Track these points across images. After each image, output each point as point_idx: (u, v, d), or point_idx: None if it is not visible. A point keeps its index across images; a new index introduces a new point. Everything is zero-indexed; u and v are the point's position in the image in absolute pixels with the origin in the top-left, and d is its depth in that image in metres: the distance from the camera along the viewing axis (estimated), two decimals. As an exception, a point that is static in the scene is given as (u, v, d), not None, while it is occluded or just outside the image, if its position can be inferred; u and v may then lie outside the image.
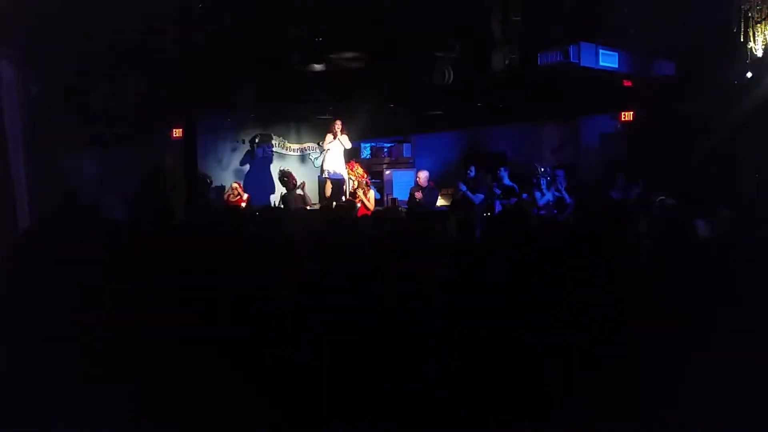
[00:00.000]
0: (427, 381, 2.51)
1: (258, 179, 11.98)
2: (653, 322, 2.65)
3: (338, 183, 10.82)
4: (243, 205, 10.35)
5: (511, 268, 3.42)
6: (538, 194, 9.55)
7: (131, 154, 10.02)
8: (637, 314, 2.70)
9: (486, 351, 2.64)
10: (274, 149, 12.59)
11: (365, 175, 10.97)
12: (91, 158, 9.66)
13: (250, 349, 2.44)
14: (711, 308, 2.70)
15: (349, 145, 10.83)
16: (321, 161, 11.23)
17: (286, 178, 10.83)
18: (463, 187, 10.04)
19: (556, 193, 9.55)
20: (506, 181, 10.19)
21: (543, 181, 9.60)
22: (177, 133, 10.28)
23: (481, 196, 9.85)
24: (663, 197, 6.49)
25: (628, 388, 2.45)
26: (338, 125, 10.63)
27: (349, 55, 9.02)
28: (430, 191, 10.10)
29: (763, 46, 6.70)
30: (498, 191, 9.80)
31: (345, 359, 2.50)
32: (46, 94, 8.11)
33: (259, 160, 12.21)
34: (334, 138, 10.65)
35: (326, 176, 10.79)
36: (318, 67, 9.01)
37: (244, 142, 12.51)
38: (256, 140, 12.20)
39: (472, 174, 10.43)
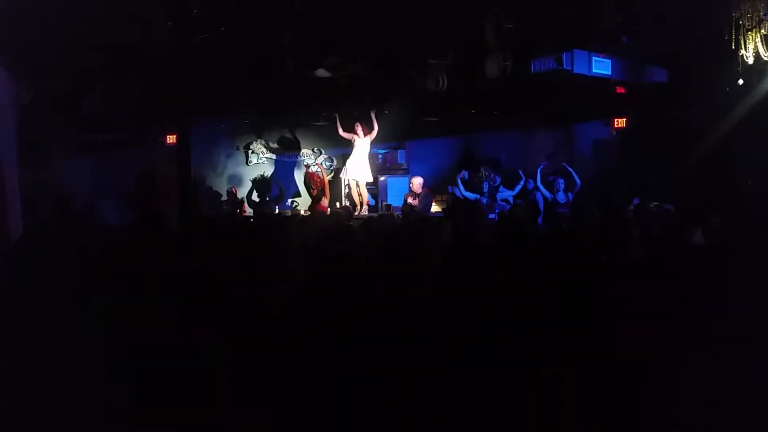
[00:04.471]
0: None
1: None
2: (648, 325, 2.66)
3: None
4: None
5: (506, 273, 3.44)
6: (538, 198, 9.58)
7: (125, 159, 10.00)
8: (631, 318, 2.72)
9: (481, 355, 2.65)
10: (267, 155, 12.60)
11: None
12: (84, 164, 9.62)
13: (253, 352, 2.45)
14: (705, 312, 2.71)
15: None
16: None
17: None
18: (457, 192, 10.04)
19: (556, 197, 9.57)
20: (499, 188, 10.20)
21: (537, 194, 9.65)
22: (171, 139, 10.27)
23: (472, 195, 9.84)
24: (657, 203, 6.52)
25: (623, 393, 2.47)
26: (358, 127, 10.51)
27: (343, 61, 9.04)
28: (425, 198, 10.11)
29: (754, 54, 6.75)
30: (487, 199, 9.80)
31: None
32: (39, 100, 8.09)
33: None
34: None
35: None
36: (313, 73, 9.03)
37: (238, 148, 12.51)
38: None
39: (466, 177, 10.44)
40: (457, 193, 9.98)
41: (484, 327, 2.83)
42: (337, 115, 10.62)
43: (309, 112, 11.56)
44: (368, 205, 10.78)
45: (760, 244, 3.54)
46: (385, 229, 5.49)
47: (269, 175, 12.27)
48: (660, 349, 2.64)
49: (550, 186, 9.68)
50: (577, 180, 9.45)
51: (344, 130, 10.60)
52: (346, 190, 11.15)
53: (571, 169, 9.55)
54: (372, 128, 10.45)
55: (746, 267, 3.18)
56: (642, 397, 2.49)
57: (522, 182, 9.99)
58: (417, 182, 10.17)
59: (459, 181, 9.98)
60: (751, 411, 2.39)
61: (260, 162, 12.55)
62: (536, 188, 9.75)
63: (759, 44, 6.70)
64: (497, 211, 9.21)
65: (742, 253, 3.54)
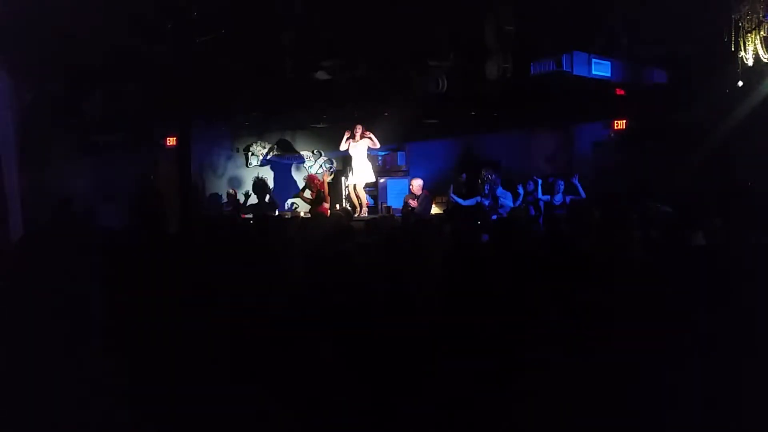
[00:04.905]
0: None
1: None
2: (649, 327, 2.66)
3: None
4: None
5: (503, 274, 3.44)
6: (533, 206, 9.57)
7: (126, 161, 10.00)
8: (632, 319, 2.72)
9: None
10: (268, 158, 12.60)
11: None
12: (85, 166, 9.62)
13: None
14: (706, 314, 2.72)
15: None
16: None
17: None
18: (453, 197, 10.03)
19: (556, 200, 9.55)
20: (499, 190, 10.19)
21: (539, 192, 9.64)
22: (171, 141, 10.27)
23: (471, 202, 9.82)
24: (657, 205, 6.50)
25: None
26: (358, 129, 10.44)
27: (343, 64, 9.05)
28: (425, 199, 10.11)
29: (753, 55, 6.77)
30: (489, 201, 9.78)
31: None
32: (40, 101, 8.09)
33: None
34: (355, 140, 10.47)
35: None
36: (313, 75, 9.04)
37: (238, 151, 12.51)
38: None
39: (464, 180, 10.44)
40: (455, 199, 9.98)
41: (484, 328, 2.84)
42: (347, 133, 10.54)
43: (309, 115, 11.56)
44: (368, 206, 10.79)
45: (761, 246, 3.54)
46: (385, 231, 5.50)
47: (268, 178, 12.27)
48: (661, 351, 2.64)
49: (550, 187, 9.67)
50: (582, 193, 9.36)
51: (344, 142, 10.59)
52: (346, 192, 11.15)
53: (578, 183, 9.45)
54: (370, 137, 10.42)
55: (747, 268, 3.18)
56: (643, 399, 2.49)
57: (521, 198, 9.87)
58: (417, 184, 10.17)
59: (453, 195, 9.95)
60: (752, 412, 2.40)
61: (260, 164, 12.55)
62: (536, 190, 9.75)
63: (759, 46, 6.72)
64: (498, 212, 9.20)
65: (742, 254, 3.55)
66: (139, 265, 3.56)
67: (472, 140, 12.40)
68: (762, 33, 6.69)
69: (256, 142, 12.56)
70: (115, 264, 3.58)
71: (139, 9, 7.49)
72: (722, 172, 8.39)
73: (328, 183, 11.34)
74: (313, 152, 12.83)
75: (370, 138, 10.42)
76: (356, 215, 9.98)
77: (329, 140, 12.29)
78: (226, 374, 2.44)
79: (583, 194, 9.33)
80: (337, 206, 10.85)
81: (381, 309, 3.03)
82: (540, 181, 9.73)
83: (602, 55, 8.41)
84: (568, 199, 9.51)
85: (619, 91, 9.13)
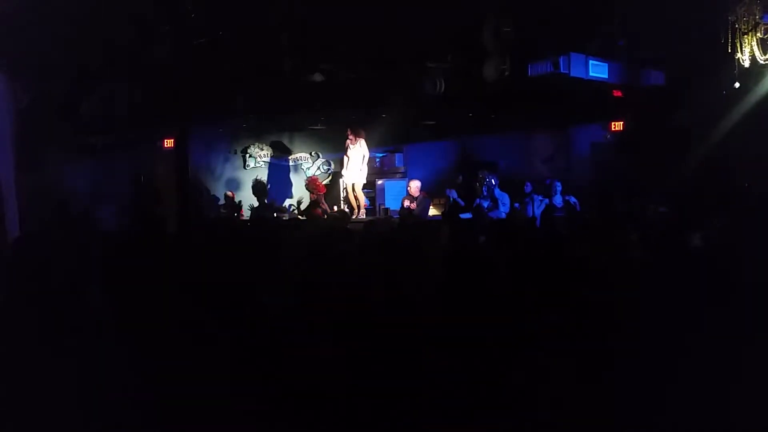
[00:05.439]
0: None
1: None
2: (648, 328, 2.67)
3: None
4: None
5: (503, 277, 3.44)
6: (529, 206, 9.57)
7: (124, 162, 10.00)
8: (631, 321, 2.73)
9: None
10: (265, 159, 12.60)
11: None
12: (83, 167, 9.61)
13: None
14: (703, 315, 2.72)
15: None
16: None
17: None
18: (454, 194, 10.03)
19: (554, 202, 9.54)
20: (496, 191, 10.20)
21: (535, 195, 9.65)
22: (169, 143, 10.26)
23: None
24: (655, 207, 6.53)
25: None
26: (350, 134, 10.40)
27: (341, 65, 9.06)
28: (422, 201, 10.11)
29: (750, 57, 6.79)
30: (487, 202, 9.79)
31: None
32: (37, 102, 8.09)
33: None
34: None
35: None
36: (310, 77, 9.04)
37: (236, 152, 12.51)
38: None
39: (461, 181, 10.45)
40: (453, 196, 9.99)
41: (483, 330, 2.84)
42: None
43: (307, 116, 11.57)
44: (365, 208, 10.79)
45: (759, 247, 3.55)
46: (383, 233, 5.50)
47: (266, 180, 12.27)
48: (660, 353, 2.65)
49: (548, 189, 9.67)
50: (578, 207, 9.32)
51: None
52: (343, 194, 11.16)
53: (574, 200, 9.41)
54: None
55: (745, 270, 3.19)
56: (642, 400, 2.49)
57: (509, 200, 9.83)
58: (415, 186, 10.18)
59: (449, 194, 9.95)
60: (751, 413, 2.40)
61: (258, 166, 12.55)
62: (534, 191, 9.76)
63: (755, 47, 6.74)
64: (496, 214, 9.21)
65: (741, 255, 3.56)
66: (137, 267, 3.55)
67: (470, 142, 12.41)
68: (758, 35, 6.72)
69: (254, 144, 12.57)
70: (113, 266, 3.58)
71: (138, 9, 7.50)
72: (719, 174, 8.40)
73: (326, 185, 11.36)
74: (311, 154, 12.84)
75: (364, 139, 10.42)
76: (354, 217, 9.98)
77: (327, 142, 12.30)
78: (225, 376, 2.44)
79: (578, 207, 9.24)
80: (335, 208, 10.85)
81: (379, 311, 3.03)
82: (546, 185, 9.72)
83: (599, 56, 8.43)
84: (570, 199, 9.50)
85: (617, 93, 9.15)
